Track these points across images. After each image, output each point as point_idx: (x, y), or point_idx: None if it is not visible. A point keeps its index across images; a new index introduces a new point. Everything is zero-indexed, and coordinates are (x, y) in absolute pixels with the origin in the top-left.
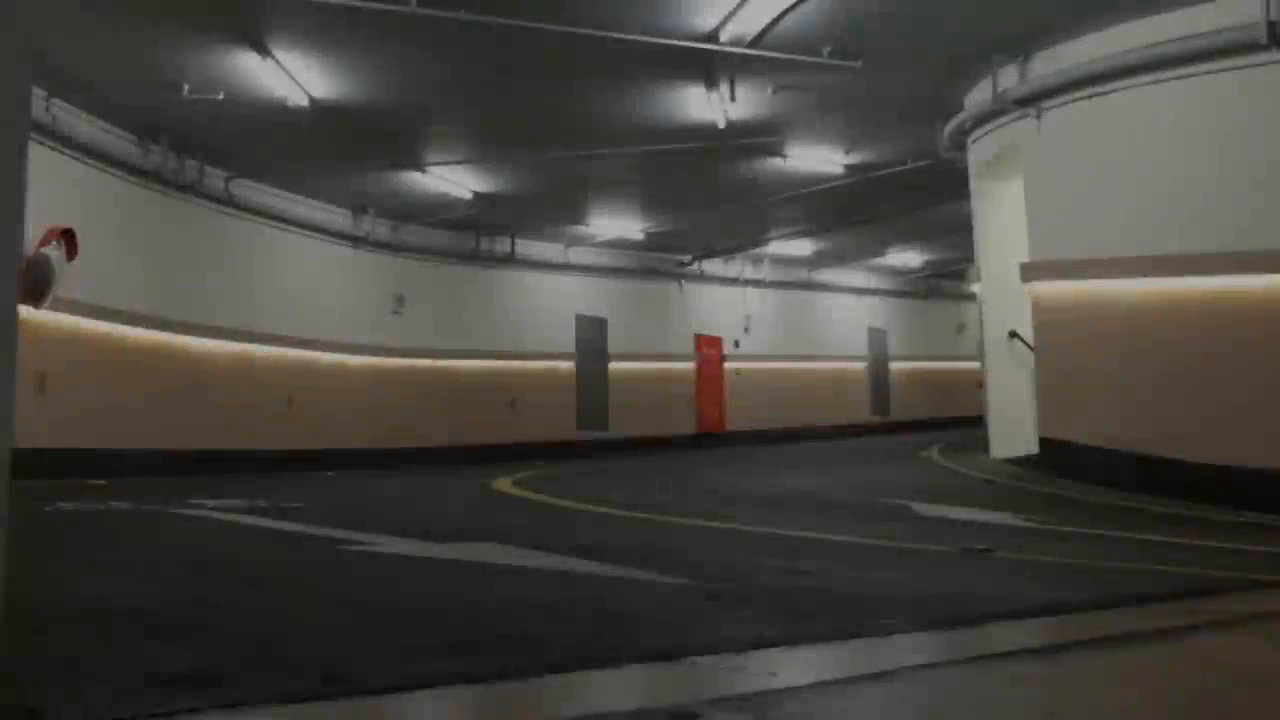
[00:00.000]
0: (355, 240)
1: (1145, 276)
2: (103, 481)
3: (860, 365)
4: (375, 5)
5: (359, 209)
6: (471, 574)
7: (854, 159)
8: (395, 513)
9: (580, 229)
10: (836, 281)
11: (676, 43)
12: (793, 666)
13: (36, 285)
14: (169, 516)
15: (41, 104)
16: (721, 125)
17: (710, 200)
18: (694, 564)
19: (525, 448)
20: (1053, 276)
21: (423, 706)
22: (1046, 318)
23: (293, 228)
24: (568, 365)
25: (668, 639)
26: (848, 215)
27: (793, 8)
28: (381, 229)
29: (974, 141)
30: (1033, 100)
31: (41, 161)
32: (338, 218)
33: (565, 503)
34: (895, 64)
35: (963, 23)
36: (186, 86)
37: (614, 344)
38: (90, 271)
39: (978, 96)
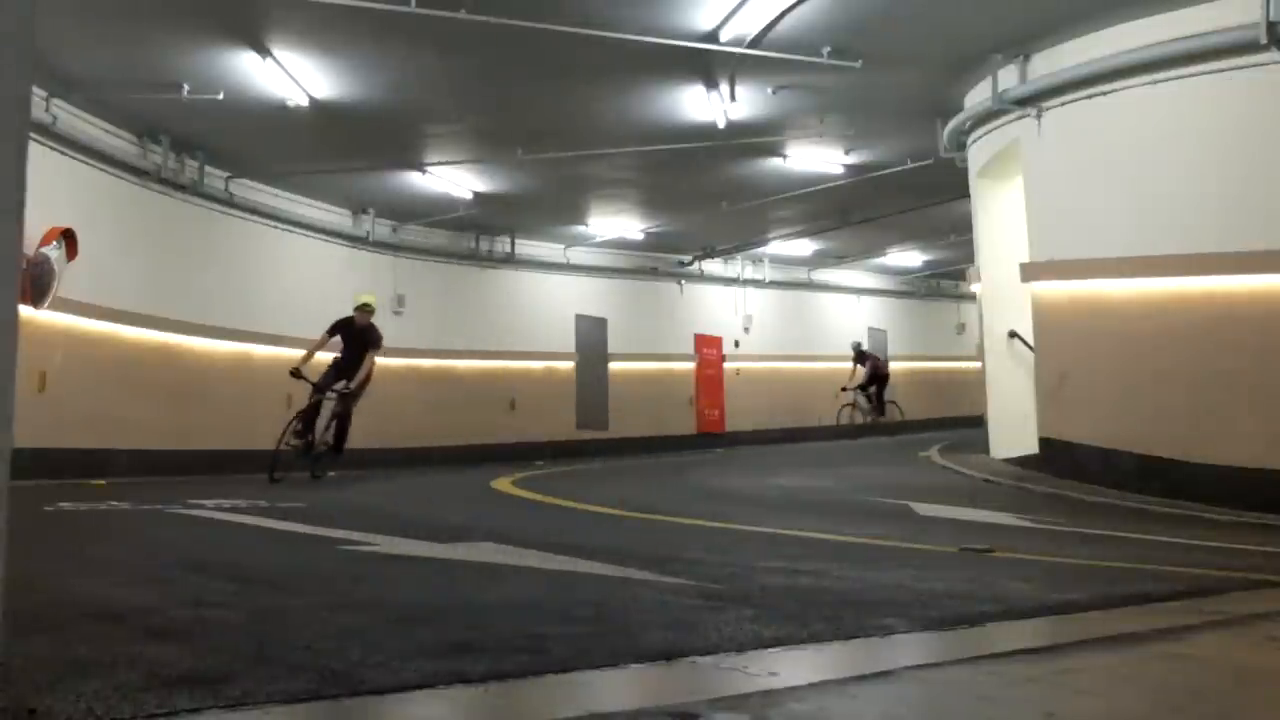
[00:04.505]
0: (355, 240)
1: (1145, 276)
2: (102, 481)
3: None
4: (375, 5)
5: (359, 209)
6: (471, 574)
7: (854, 159)
8: (395, 512)
9: (580, 229)
10: (836, 281)
11: (676, 43)
12: (793, 666)
13: (37, 285)
14: (169, 516)
15: (41, 104)
16: (721, 125)
17: (710, 200)
18: (694, 564)
19: (525, 448)
20: (1053, 276)
21: (423, 706)
22: (1046, 318)
23: (293, 228)
24: (568, 365)
25: (668, 639)
26: (848, 215)
27: (793, 8)
28: (381, 229)
29: (974, 141)
30: (1033, 100)
31: (41, 161)
32: (338, 218)
33: (565, 503)
34: (895, 64)
35: (963, 23)
36: (186, 86)
37: (614, 344)
38: (91, 272)
39: (978, 96)
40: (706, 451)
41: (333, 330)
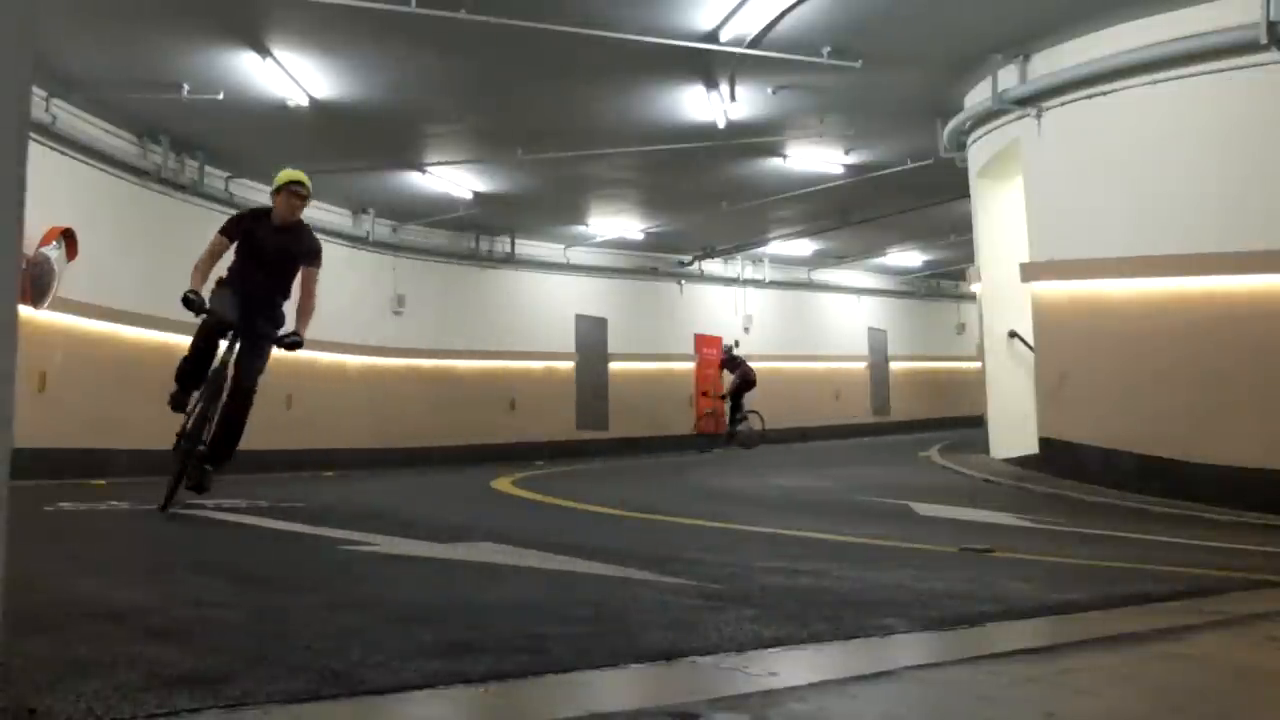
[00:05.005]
0: (355, 240)
1: (1145, 276)
2: (102, 481)
3: (860, 365)
4: (375, 5)
5: (359, 209)
6: (471, 574)
7: (854, 159)
8: (395, 512)
9: (580, 229)
10: (836, 281)
11: (676, 43)
12: (793, 666)
13: (37, 285)
14: (168, 516)
15: (41, 104)
16: (721, 125)
17: (710, 200)
18: (694, 564)
19: (525, 448)
20: (1053, 276)
21: (423, 706)
22: (1046, 318)
23: None
24: (568, 365)
25: (668, 639)
26: (848, 215)
27: (793, 8)
28: (381, 229)
29: (974, 141)
30: (1033, 100)
31: (41, 161)
32: (338, 218)
33: (565, 503)
34: (895, 64)
35: (963, 23)
36: (186, 86)
37: (614, 344)
38: (91, 272)
39: (978, 96)
40: (707, 451)
41: (231, 230)
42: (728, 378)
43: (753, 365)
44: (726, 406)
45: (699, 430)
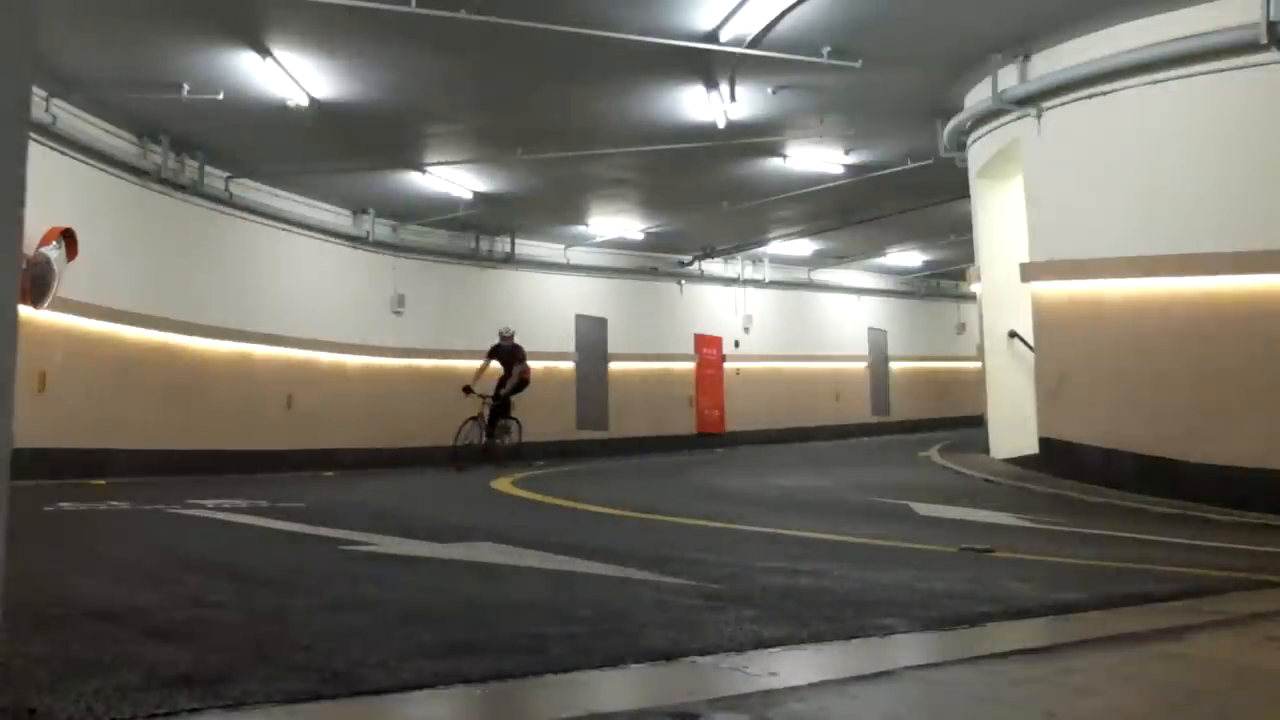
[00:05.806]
0: (355, 240)
1: (1145, 276)
2: (102, 481)
3: (860, 365)
4: (375, 5)
5: (359, 209)
6: (471, 574)
7: (854, 159)
8: (395, 513)
9: (580, 229)
10: (836, 281)
11: (676, 43)
12: (793, 666)
13: (37, 285)
14: (168, 516)
15: (41, 104)
16: (721, 125)
17: (710, 200)
18: (694, 564)
19: (525, 448)
20: (1053, 276)
21: (423, 706)
22: (1046, 318)
23: (293, 228)
24: (568, 365)
25: (668, 639)
26: (848, 215)
27: (793, 8)
28: (381, 229)
29: (974, 141)
30: (1033, 100)
31: (41, 161)
32: (338, 218)
33: (565, 503)
34: (895, 64)
35: (963, 23)
36: (186, 86)
37: (614, 344)
38: (91, 272)
39: (978, 96)
40: (707, 451)
41: None
42: (493, 370)
43: (753, 365)
44: (486, 409)
45: (701, 430)
